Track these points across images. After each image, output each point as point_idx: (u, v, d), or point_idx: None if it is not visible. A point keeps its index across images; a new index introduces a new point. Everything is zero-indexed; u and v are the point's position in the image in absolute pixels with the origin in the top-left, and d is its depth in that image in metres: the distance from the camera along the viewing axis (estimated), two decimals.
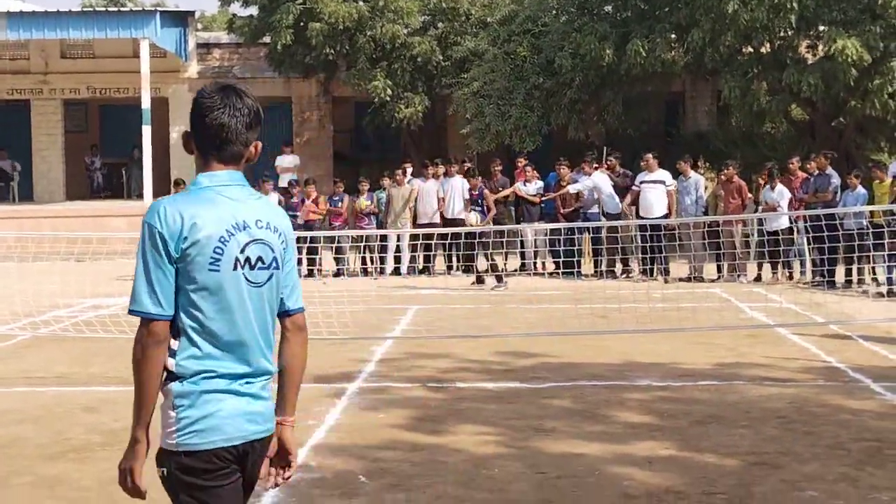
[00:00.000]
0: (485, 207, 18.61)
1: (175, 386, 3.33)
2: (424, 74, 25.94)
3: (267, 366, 3.47)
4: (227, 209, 3.37)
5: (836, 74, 19.79)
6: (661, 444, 7.36)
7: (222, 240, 3.33)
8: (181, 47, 28.04)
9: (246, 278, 3.38)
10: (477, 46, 24.36)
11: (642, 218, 17.80)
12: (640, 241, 17.55)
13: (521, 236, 18.93)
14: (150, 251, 3.29)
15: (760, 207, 17.61)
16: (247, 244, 3.38)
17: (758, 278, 17.55)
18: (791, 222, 17.15)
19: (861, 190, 16.69)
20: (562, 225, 17.57)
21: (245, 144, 3.49)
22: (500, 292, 16.51)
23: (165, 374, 3.34)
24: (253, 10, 27.47)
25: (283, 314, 3.59)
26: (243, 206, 3.41)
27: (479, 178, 19.17)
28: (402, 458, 7.12)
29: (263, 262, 3.42)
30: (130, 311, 3.31)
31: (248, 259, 3.38)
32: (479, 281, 17.38)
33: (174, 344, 3.34)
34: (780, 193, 17.38)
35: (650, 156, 18.42)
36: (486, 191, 18.78)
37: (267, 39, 26.69)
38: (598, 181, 18.59)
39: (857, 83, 20.09)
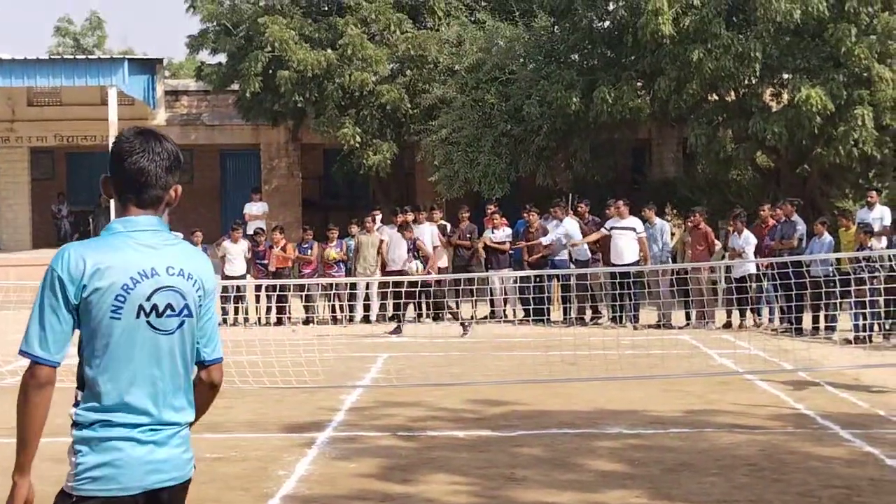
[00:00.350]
0: (421, 257, 18.62)
1: (75, 432, 3.34)
2: (393, 122, 26.04)
3: (174, 416, 3.42)
4: (135, 256, 3.35)
5: (800, 122, 20.04)
6: (633, 492, 7.36)
7: (125, 287, 3.30)
8: (149, 94, 28.04)
9: (152, 325, 3.35)
10: (445, 94, 24.50)
11: (613, 265, 17.90)
12: (609, 288, 17.65)
13: (490, 283, 18.95)
14: (48, 295, 3.30)
15: (727, 254, 17.75)
16: (154, 291, 3.34)
17: (727, 325, 17.65)
18: (758, 269, 17.29)
19: (827, 237, 16.89)
20: (531, 273, 17.61)
21: (164, 188, 3.48)
22: (466, 340, 16.52)
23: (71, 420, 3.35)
24: (221, 58, 27.54)
25: (199, 364, 3.56)
26: (155, 252, 3.38)
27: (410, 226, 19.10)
28: None
29: (173, 310, 3.38)
30: (20, 351, 3.33)
31: (154, 307, 3.34)
32: (397, 330, 17.36)
33: (78, 395, 3.36)
34: (746, 240, 17.55)
35: (621, 202, 18.57)
36: (419, 241, 18.70)
37: (235, 87, 26.73)
38: (569, 228, 18.69)
39: (821, 131, 20.36)
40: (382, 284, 18.21)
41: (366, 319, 19.21)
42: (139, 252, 3.36)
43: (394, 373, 13.15)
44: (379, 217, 20.92)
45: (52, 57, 28.17)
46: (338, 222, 21.29)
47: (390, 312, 18.66)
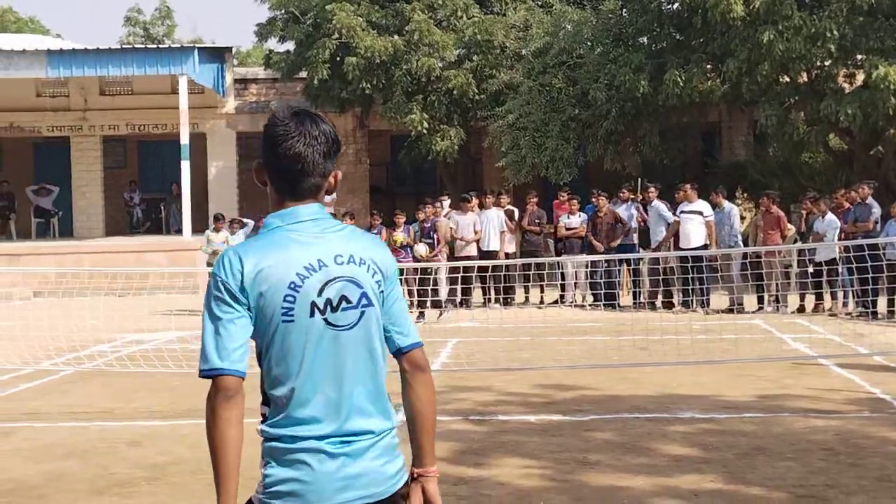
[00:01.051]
0: (434, 239, 18.62)
1: (264, 444, 3.03)
2: (460, 107, 26.04)
3: (366, 423, 3.05)
4: (298, 250, 3.01)
5: (874, 103, 19.70)
6: (707, 476, 7.31)
7: (293, 286, 2.96)
8: (219, 83, 28.31)
9: (329, 322, 2.99)
10: (512, 79, 24.45)
11: (680, 249, 17.75)
12: (679, 273, 17.52)
13: (562, 268, 18.88)
14: (215, 304, 2.96)
15: (811, 237, 17.50)
16: (325, 285, 2.99)
17: (800, 309, 17.42)
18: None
19: None
20: (601, 257, 17.51)
21: (323, 176, 3.14)
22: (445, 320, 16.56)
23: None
24: (289, 46, 27.73)
25: (397, 353, 3.19)
26: (320, 242, 3.05)
27: (428, 208, 19.15)
28: (446, 491, 7.07)
29: (349, 301, 3.02)
30: (200, 374, 2.96)
31: (328, 301, 2.99)
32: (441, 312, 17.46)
33: (265, 411, 3.05)
34: (830, 224, 17.25)
35: (688, 186, 18.40)
36: (437, 222, 18.74)
37: (303, 74, 26.90)
38: (661, 209, 18.60)
39: (895, 112, 19.99)
40: (452, 269, 18.23)
41: (435, 304, 19.24)
42: (302, 245, 3.03)
43: (464, 357, 13.16)
44: (447, 203, 20.93)
45: (124, 47, 28.60)
46: (405, 208, 21.33)
47: (459, 297, 18.72)
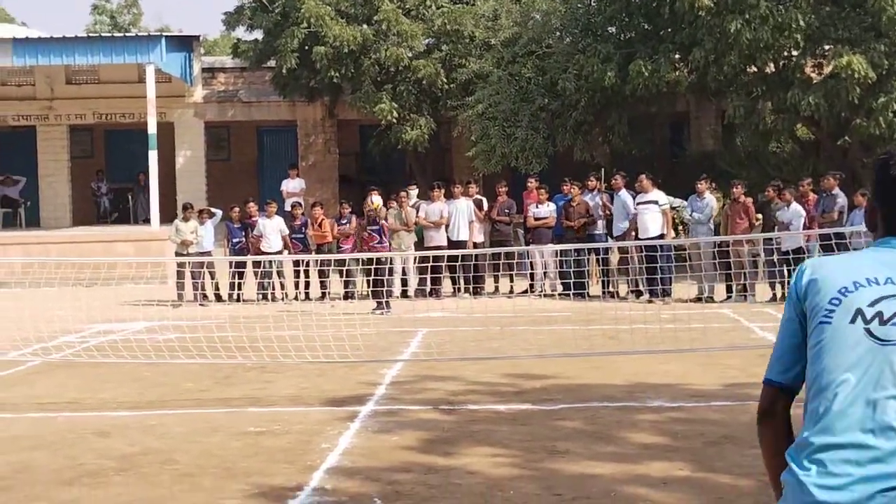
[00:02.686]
0: (380, 229, 18.68)
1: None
2: (429, 97, 26.02)
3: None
4: (864, 264, 2.85)
5: (839, 93, 19.85)
6: (676, 464, 7.36)
7: (842, 290, 2.79)
8: (186, 72, 28.12)
9: (871, 333, 2.72)
10: (481, 68, 24.43)
11: (638, 239, 17.87)
12: (645, 262, 17.65)
13: (531, 258, 18.93)
14: (785, 311, 2.91)
15: (776, 226, 17.62)
16: (880, 299, 2.75)
17: (773, 298, 17.54)
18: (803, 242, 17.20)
19: None
20: (570, 246, 17.56)
21: None
22: (384, 317, 16.53)
23: None
24: (258, 35, 27.58)
25: None
26: (890, 266, 2.81)
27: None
28: (417, 480, 7.11)
29: None
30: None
31: (878, 314, 2.73)
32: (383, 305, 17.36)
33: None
34: (795, 212, 17.40)
35: (644, 177, 18.53)
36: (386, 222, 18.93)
37: (272, 63, 26.79)
38: (626, 200, 18.69)
39: (861, 102, 20.15)
40: (421, 259, 18.22)
41: (404, 294, 19.24)
42: (871, 262, 2.83)
43: (434, 347, 13.19)
44: (415, 192, 20.94)
45: (90, 35, 28.38)
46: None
47: (428, 287, 18.73)
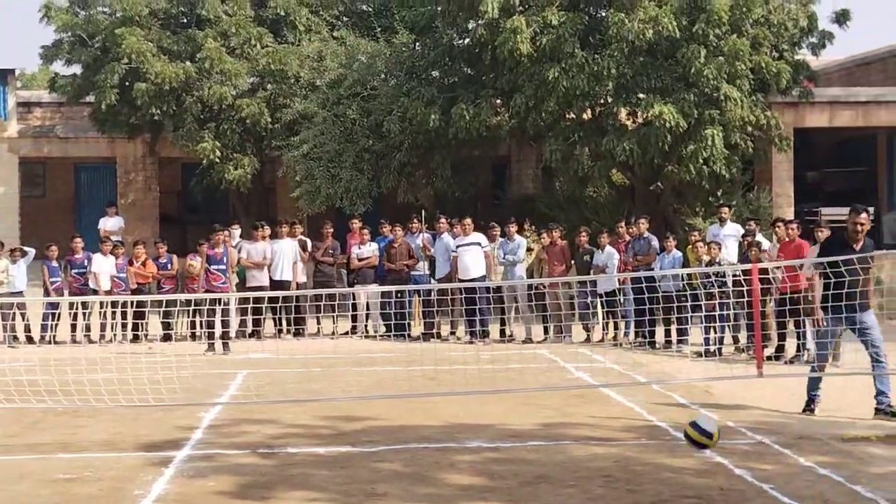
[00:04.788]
0: (226, 266, 18.53)
1: None
2: (253, 136, 25.84)
3: None
4: None
5: (651, 140, 20.60)
6: None
7: None
8: (1, 106, 27.23)
9: None
10: (306, 109, 24.38)
11: (461, 280, 18.13)
12: (465, 304, 17.95)
13: (354, 298, 18.94)
14: None
15: (592, 269, 18.13)
16: None
17: (587, 339, 17.99)
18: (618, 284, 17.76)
19: (677, 253, 17.44)
20: (393, 288, 17.66)
21: None
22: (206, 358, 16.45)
23: None
24: (76, 69, 26.90)
25: None
26: None
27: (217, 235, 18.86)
28: None
29: None
30: None
31: None
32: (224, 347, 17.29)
33: None
34: (609, 255, 17.99)
35: (467, 220, 18.87)
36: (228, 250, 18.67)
37: (91, 98, 26.16)
38: (448, 243, 18.92)
39: (672, 149, 20.94)
40: (242, 300, 18.02)
41: (224, 335, 18.94)
42: None
43: (253, 389, 13.04)
44: (238, 232, 20.72)
45: None
46: (196, 237, 21.00)
47: (250, 329, 18.54)
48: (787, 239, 15.81)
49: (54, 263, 19.69)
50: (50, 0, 26.28)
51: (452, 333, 18.63)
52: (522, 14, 21.04)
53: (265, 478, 8.36)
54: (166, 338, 18.63)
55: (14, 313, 18.21)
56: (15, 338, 18.35)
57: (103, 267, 19.42)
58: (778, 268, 14.84)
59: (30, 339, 18.78)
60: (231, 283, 18.58)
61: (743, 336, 16.49)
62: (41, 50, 27.22)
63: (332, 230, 20.50)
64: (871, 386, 10.90)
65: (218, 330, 17.33)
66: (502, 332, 18.56)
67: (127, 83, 24.81)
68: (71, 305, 18.00)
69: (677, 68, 21.03)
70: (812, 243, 15.48)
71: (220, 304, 17.27)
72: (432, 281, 18.99)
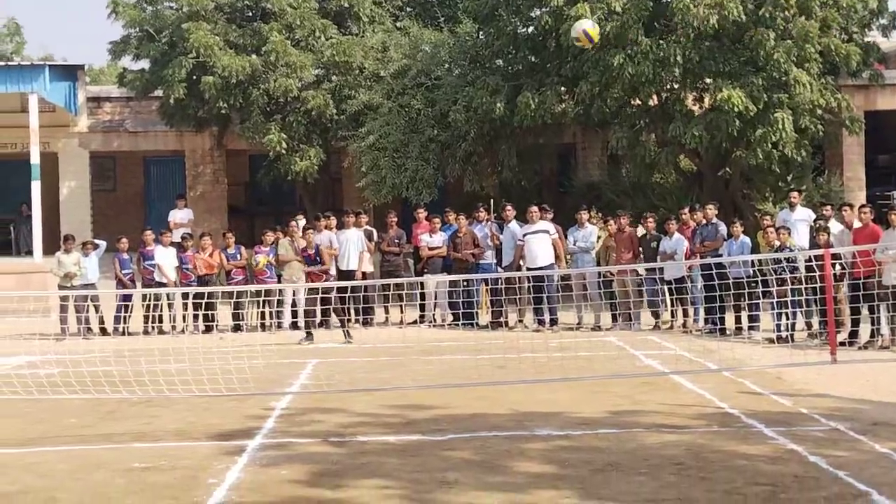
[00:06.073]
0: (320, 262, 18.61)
1: None
2: (319, 127, 25.98)
3: None
4: None
5: (719, 125, 20.39)
6: (563, 493, 7.44)
7: None
8: (71, 101, 27.63)
9: None
10: (371, 100, 24.50)
11: (528, 269, 18.08)
12: (531, 292, 17.91)
13: (423, 288, 18.96)
14: None
15: (659, 256, 17.98)
16: None
17: (656, 326, 17.87)
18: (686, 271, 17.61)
19: (745, 238, 17.23)
20: (461, 277, 17.68)
21: None
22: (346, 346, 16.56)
23: None
24: (144, 64, 27.25)
25: None
26: None
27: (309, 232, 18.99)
28: None
29: None
30: None
31: None
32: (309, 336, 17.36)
33: None
34: (678, 242, 17.81)
35: (534, 208, 18.77)
36: (321, 248, 18.66)
37: (159, 93, 26.48)
38: (515, 231, 18.87)
39: (740, 134, 20.71)
40: (311, 290, 18.13)
41: (294, 326, 19.12)
42: None
43: (323, 378, 13.13)
44: (302, 222, 20.87)
45: None
46: (264, 228, 21.20)
47: (318, 318, 18.65)
48: (855, 223, 15.56)
49: (125, 256, 19.96)
50: None
51: (520, 321, 18.59)
52: (586, 1, 20.90)
53: (337, 466, 8.41)
54: (236, 328, 18.81)
55: (88, 305, 18.49)
56: (89, 329, 18.64)
57: (165, 258, 19.63)
58: (850, 252, 14.62)
59: (103, 331, 19.07)
60: (300, 273, 18.63)
61: (815, 322, 16.27)
62: (109, 45, 27.63)
63: (396, 220, 20.57)
64: None
65: (301, 319, 17.45)
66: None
67: (194, 77, 25.06)
68: (144, 297, 18.26)
69: (745, 52, 20.81)
70: (884, 227, 15.23)
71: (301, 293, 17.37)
72: (499, 270, 18.96)
